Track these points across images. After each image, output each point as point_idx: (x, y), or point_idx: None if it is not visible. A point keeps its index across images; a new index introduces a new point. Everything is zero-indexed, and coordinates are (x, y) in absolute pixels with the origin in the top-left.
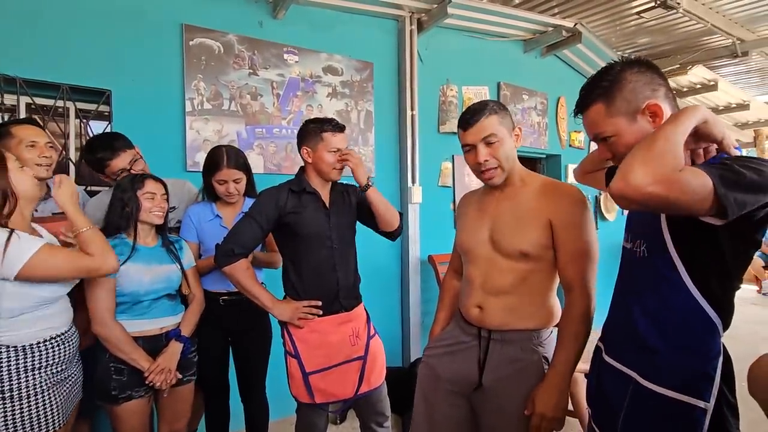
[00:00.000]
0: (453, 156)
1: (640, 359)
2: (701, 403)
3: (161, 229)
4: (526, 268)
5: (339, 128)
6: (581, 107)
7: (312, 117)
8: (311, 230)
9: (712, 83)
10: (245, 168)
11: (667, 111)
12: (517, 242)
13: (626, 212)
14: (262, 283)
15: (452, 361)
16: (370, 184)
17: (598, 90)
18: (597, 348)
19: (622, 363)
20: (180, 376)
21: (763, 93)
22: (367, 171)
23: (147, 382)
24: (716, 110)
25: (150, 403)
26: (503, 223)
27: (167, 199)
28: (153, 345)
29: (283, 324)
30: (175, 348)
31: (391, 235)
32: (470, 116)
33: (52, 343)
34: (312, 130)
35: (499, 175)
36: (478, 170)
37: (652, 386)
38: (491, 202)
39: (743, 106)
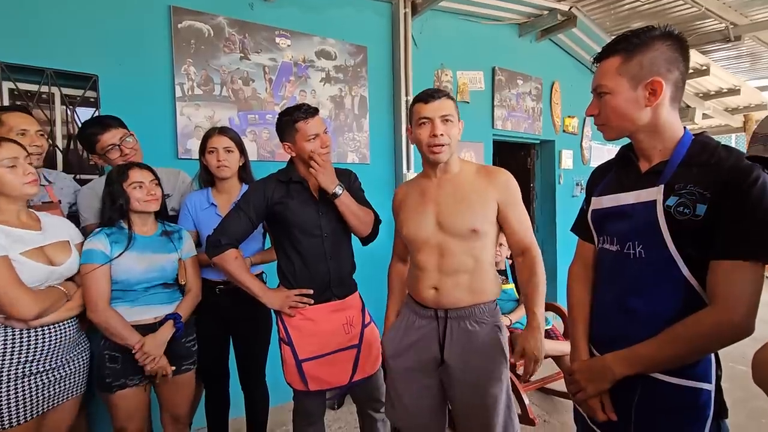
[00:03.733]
0: None
1: None
2: (707, 386)
3: (160, 217)
4: (476, 244)
5: (310, 113)
6: (603, 54)
7: (294, 105)
8: (299, 219)
9: (704, 68)
10: (238, 143)
11: (667, 94)
12: (468, 221)
13: (591, 216)
14: (262, 272)
15: (413, 353)
16: (337, 192)
17: (625, 44)
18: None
19: None
20: (172, 369)
21: (754, 78)
22: (333, 178)
23: (139, 364)
24: (707, 95)
25: (147, 391)
26: (449, 205)
27: (159, 185)
28: (146, 334)
29: (277, 312)
30: (163, 332)
31: (361, 241)
32: (432, 93)
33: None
34: (286, 124)
35: (446, 152)
36: (430, 144)
37: (664, 378)
38: (432, 187)
39: (734, 91)
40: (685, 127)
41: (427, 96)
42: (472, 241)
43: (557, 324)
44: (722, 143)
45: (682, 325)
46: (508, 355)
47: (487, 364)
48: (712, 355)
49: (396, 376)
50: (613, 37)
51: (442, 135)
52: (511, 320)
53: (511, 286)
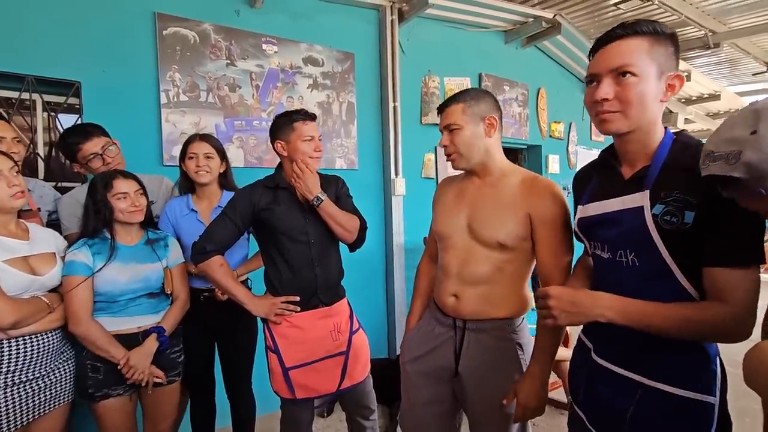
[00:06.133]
0: (435, 147)
1: (645, 361)
2: (711, 399)
3: (146, 225)
4: (503, 257)
5: (309, 117)
6: (622, 32)
7: (293, 109)
8: (286, 226)
9: (685, 74)
10: (219, 149)
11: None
12: (495, 232)
13: (577, 224)
14: (247, 279)
15: (430, 360)
16: (315, 203)
17: (651, 26)
18: (582, 345)
19: (623, 367)
20: (163, 379)
21: (734, 83)
22: (313, 187)
23: (125, 378)
24: (689, 100)
25: (133, 402)
26: (481, 211)
27: (144, 194)
28: (129, 343)
29: (264, 319)
30: (148, 345)
31: (348, 247)
32: (442, 105)
33: None
34: (283, 123)
35: (458, 159)
36: (444, 154)
37: (663, 387)
38: (471, 190)
39: (715, 97)
40: (666, 127)
41: (438, 108)
42: (499, 253)
43: None
44: (703, 142)
45: (695, 308)
46: None
47: (502, 382)
48: (718, 368)
49: (409, 382)
50: (620, 23)
51: (446, 146)
52: None
53: None
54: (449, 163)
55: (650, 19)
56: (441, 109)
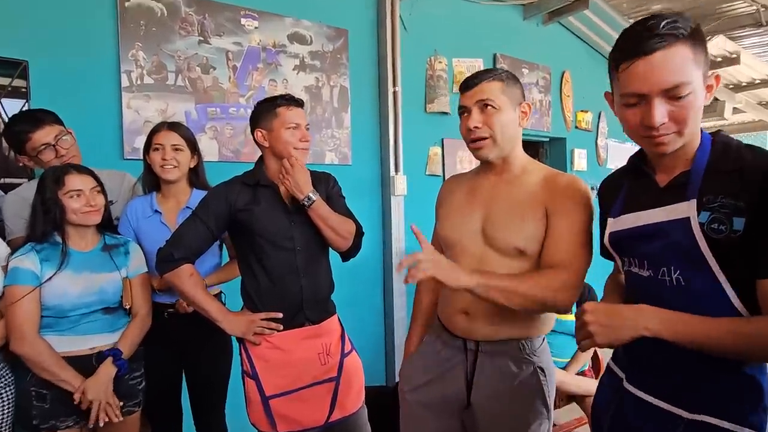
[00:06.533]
0: (443, 140)
1: (686, 392)
2: None
3: (103, 229)
4: (521, 266)
5: (295, 102)
6: (663, 40)
7: (276, 94)
8: (267, 229)
9: (734, 56)
10: (190, 140)
11: None
12: (512, 237)
13: (608, 239)
14: (220, 292)
15: (436, 388)
16: (305, 203)
17: (686, 24)
18: (612, 374)
19: (662, 398)
20: (120, 407)
21: None
22: (304, 185)
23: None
24: (738, 86)
25: None
26: (498, 212)
27: (101, 192)
28: (81, 367)
29: (240, 339)
30: (105, 373)
31: (341, 256)
32: (472, 78)
33: None
34: (265, 108)
35: (489, 146)
36: (467, 139)
37: (709, 419)
38: (485, 188)
39: None
40: (701, 128)
41: (464, 84)
42: (518, 261)
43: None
44: (743, 142)
45: (750, 322)
46: (551, 405)
47: (522, 413)
48: None
49: (411, 414)
50: (642, 19)
51: (477, 127)
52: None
53: (571, 317)
54: (458, 158)
55: (676, 12)
56: (471, 84)
